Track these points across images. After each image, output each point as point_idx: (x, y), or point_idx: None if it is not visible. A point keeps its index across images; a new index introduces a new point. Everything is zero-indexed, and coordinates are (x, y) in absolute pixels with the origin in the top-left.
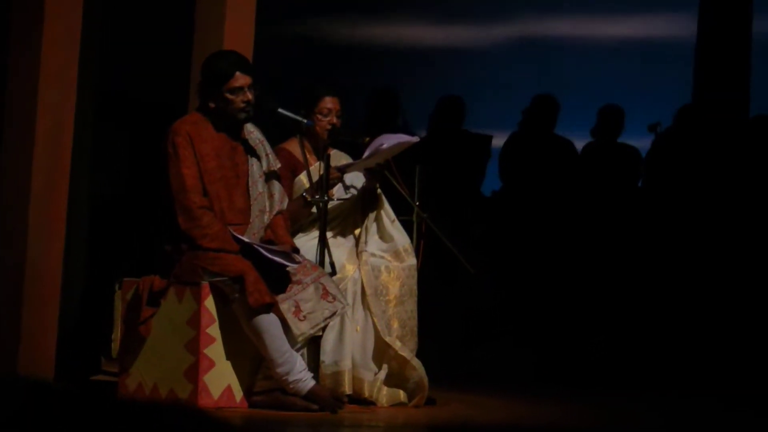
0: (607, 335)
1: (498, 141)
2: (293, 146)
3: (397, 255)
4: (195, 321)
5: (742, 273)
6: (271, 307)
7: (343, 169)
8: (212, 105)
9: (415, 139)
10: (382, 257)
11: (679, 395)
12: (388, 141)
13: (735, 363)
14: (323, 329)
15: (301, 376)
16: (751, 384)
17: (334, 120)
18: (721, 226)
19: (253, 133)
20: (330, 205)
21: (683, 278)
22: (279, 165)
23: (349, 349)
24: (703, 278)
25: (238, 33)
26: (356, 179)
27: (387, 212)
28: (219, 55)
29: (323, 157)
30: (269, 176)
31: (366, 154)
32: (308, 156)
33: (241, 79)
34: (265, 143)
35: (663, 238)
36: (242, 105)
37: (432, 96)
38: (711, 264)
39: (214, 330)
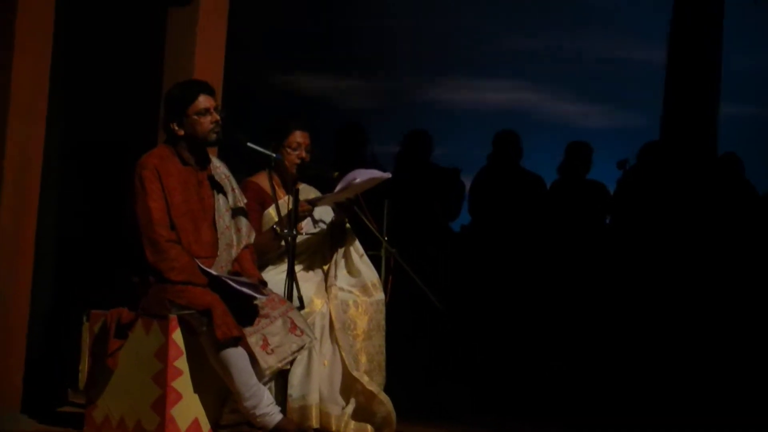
0: (568, 364)
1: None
2: (262, 180)
3: (365, 290)
4: (162, 354)
5: (711, 311)
6: (239, 341)
7: (314, 203)
8: (181, 132)
9: (387, 174)
10: (350, 292)
11: (639, 426)
12: (361, 176)
13: (699, 394)
14: (291, 363)
15: (268, 410)
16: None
17: (304, 154)
18: (687, 261)
19: (219, 168)
20: (299, 239)
21: (649, 317)
22: (245, 201)
23: (317, 383)
24: (669, 317)
25: (208, 67)
26: (325, 213)
27: (356, 247)
28: (179, 84)
29: (292, 190)
30: (236, 211)
31: (338, 188)
32: (277, 189)
33: (205, 102)
34: (231, 178)
35: (630, 275)
36: (211, 125)
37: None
38: (678, 303)
39: (181, 363)
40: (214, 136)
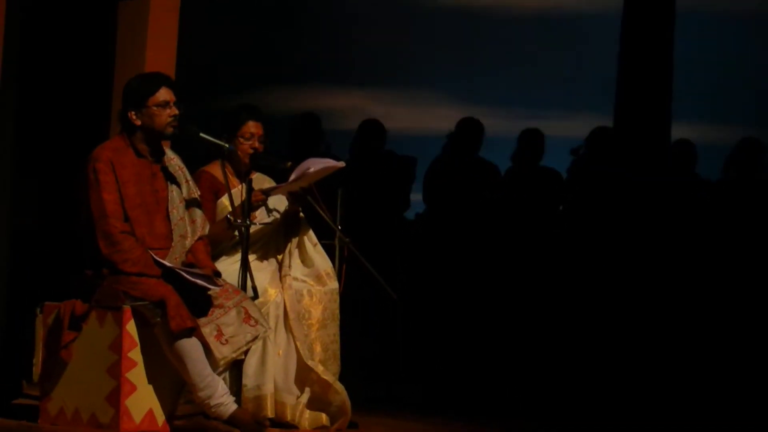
0: (524, 353)
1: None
2: (215, 169)
3: (319, 279)
4: (117, 345)
5: (666, 305)
6: (193, 332)
7: (268, 192)
8: (138, 122)
9: (341, 164)
10: (304, 281)
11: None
12: (315, 165)
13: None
14: (245, 353)
15: (222, 400)
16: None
17: (257, 144)
18: (640, 248)
19: (173, 159)
20: (252, 228)
21: (604, 307)
22: (199, 192)
23: (272, 372)
24: (624, 308)
25: (160, 61)
26: (279, 203)
27: (309, 236)
28: (142, 74)
29: (246, 180)
30: (190, 203)
31: (292, 177)
32: (230, 179)
33: (165, 94)
34: (185, 170)
35: (583, 262)
36: (169, 119)
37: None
38: (633, 294)
39: (135, 354)
40: (171, 130)
